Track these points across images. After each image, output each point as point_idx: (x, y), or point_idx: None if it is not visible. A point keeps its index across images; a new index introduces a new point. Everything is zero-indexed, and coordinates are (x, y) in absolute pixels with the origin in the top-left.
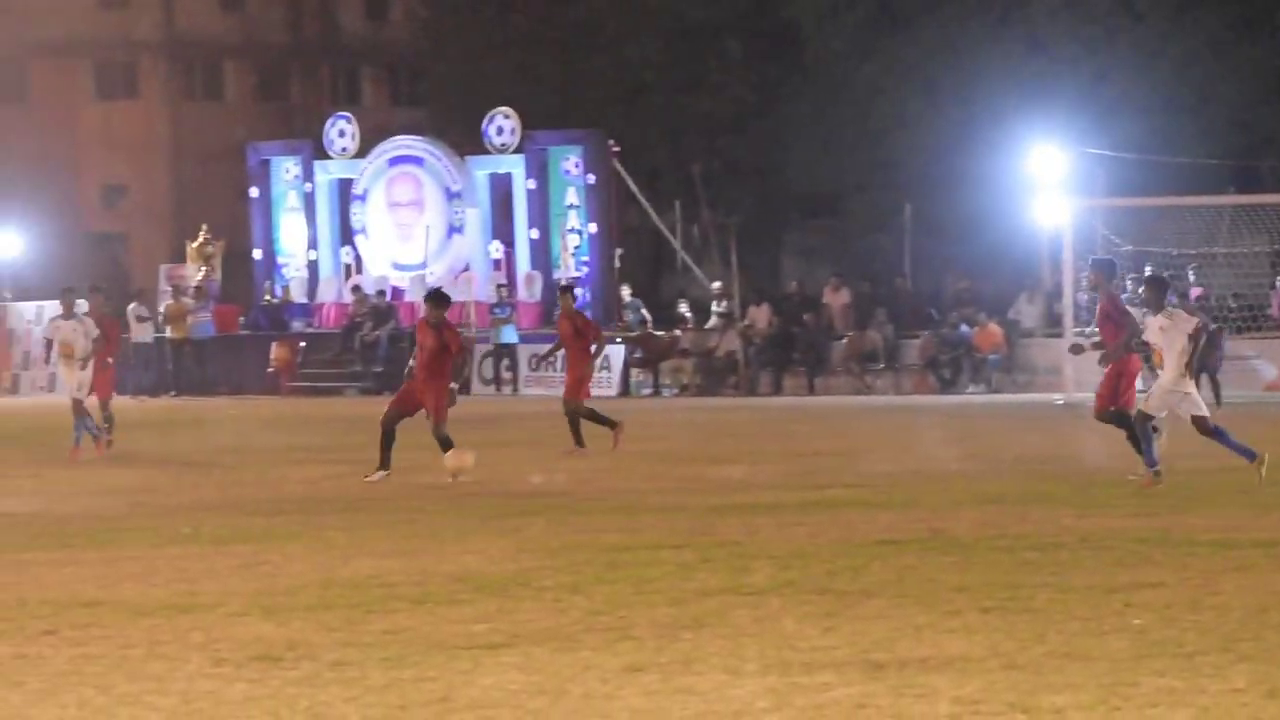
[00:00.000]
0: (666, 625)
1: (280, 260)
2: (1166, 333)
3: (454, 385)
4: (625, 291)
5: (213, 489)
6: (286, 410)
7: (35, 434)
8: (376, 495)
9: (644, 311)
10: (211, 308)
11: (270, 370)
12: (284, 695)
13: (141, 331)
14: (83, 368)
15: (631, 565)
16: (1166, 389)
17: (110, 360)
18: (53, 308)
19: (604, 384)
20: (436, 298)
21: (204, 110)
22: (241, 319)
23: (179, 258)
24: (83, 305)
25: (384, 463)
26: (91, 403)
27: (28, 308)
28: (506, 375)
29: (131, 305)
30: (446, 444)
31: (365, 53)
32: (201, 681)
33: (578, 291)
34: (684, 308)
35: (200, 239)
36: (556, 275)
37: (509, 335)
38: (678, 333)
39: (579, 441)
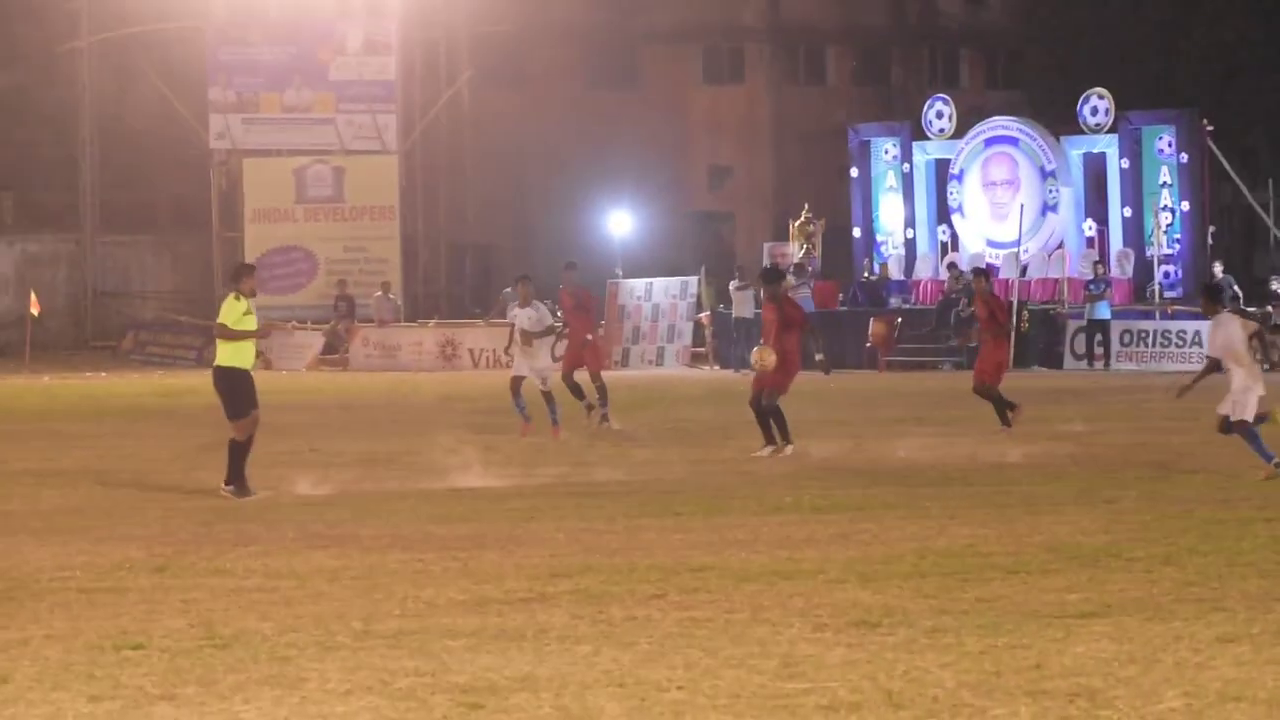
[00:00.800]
0: (1258, 597)
1: (879, 238)
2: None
3: (820, 356)
4: (1216, 268)
5: (811, 459)
6: (883, 384)
7: (642, 406)
8: (972, 467)
9: (1235, 288)
10: (812, 284)
11: (868, 345)
12: (881, 660)
13: (742, 307)
14: (551, 351)
15: (1223, 537)
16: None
17: (590, 337)
18: (661, 285)
19: (1193, 359)
20: (768, 274)
21: (806, 94)
22: (840, 295)
23: (781, 236)
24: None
25: (770, 439)
26: (582, 377)
27: (638, 284)
28: (1099, 350)
29: (732, 282)
30: (771, 414)
31: (963, 36)
32: (802, 645)
33: (1170, 269)
34: (1276, 284)
35: (802, 218)
36: (1149, 253)
37: (1102, 311)
38: (1269, 309)
39: (1006, 421)
